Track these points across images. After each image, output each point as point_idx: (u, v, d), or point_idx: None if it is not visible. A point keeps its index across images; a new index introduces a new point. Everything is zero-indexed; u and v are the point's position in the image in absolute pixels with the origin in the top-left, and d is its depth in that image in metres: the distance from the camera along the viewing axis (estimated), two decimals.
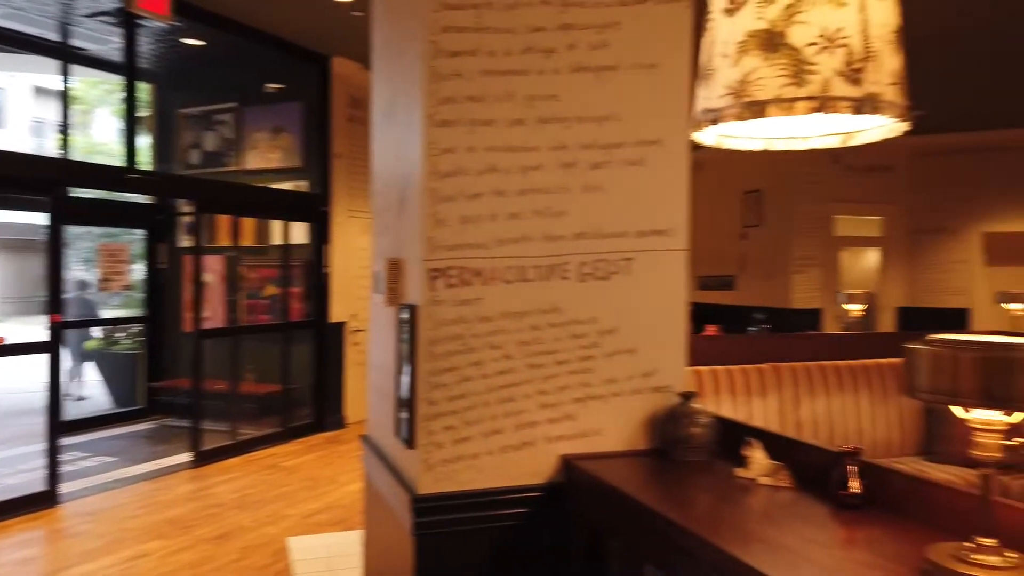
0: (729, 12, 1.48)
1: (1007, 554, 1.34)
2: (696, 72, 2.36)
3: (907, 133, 1.50)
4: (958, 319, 9.78)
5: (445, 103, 2.14)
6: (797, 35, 1.38)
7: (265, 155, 8.39)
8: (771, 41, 1.39)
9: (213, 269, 8.02)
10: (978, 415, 1.29)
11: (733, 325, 8.84)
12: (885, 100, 1.39)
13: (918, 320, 9.97)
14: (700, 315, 11.03)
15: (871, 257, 10.95)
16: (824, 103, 1.35)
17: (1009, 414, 1.26)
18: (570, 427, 2.29)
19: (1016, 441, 1.32)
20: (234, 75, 8.46)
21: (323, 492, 5.65)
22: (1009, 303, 5.41)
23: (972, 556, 1.34)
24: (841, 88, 1.36)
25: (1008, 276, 9.38)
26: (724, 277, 11.31)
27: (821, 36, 1.37)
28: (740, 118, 1.44)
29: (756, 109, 1.40)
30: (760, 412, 4.21)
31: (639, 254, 2.33)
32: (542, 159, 2.23)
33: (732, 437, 2.20)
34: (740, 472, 2.05)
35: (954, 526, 1.53)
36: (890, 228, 10.64)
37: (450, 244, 2.17)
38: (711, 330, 7.71)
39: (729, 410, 4.09)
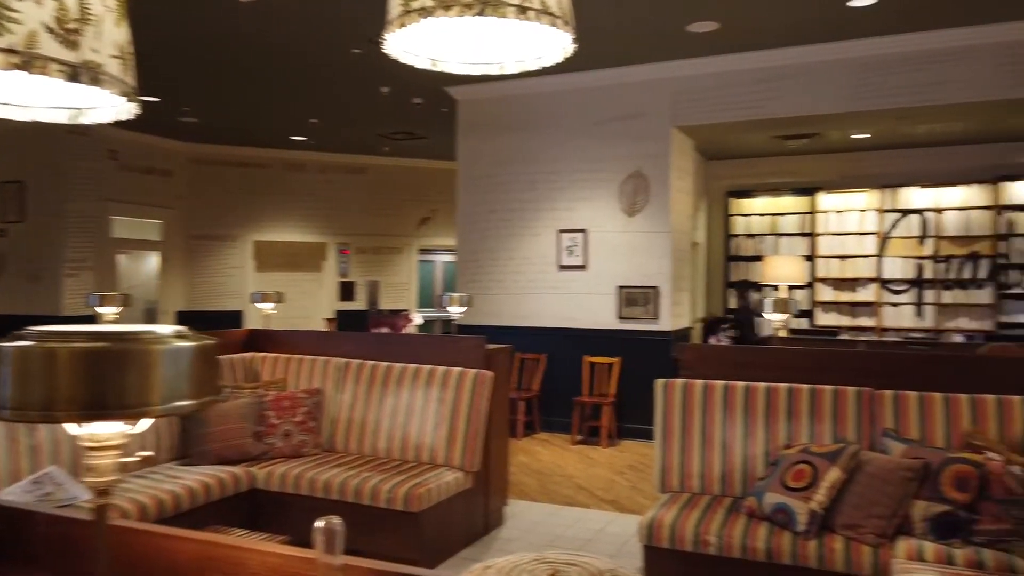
0: None
1: None
2: None
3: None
4: (233, 321, 10.36)
5: None
6: None
7: None
8: None
9: None
10: (94, 430, 1.03)
11: None
12: (107, 73, 1.23)
13: (195, 323, 10.14)
14: None
15: (153, 261, 10.69)
16: (30, 60, 1.11)
17: (132, 423, 1.02)
18: None
19: (144, 454, 1.12)
20: None
21: None
22: (261, 303, 5.84)
23: None
24: (52, 48, 1.13)
25: (274, 280, 10.41)
26: None
27: None
28: None
29: None
30: None
31: None
32: None
33: None
34: None
35: (84, 566, 1.27)
36: (170, 232, 10.58)
37: None
38: None
39: None
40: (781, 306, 4.95)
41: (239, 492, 3.86)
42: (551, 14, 2.46)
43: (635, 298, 7.06)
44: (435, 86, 7.49)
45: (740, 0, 5.36)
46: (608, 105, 7.21)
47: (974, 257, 8.98)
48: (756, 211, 10.14)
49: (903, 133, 8.54)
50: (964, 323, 9.01)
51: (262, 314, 5.91)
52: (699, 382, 3.65)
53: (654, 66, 6.90)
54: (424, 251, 12.20)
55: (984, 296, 8.94)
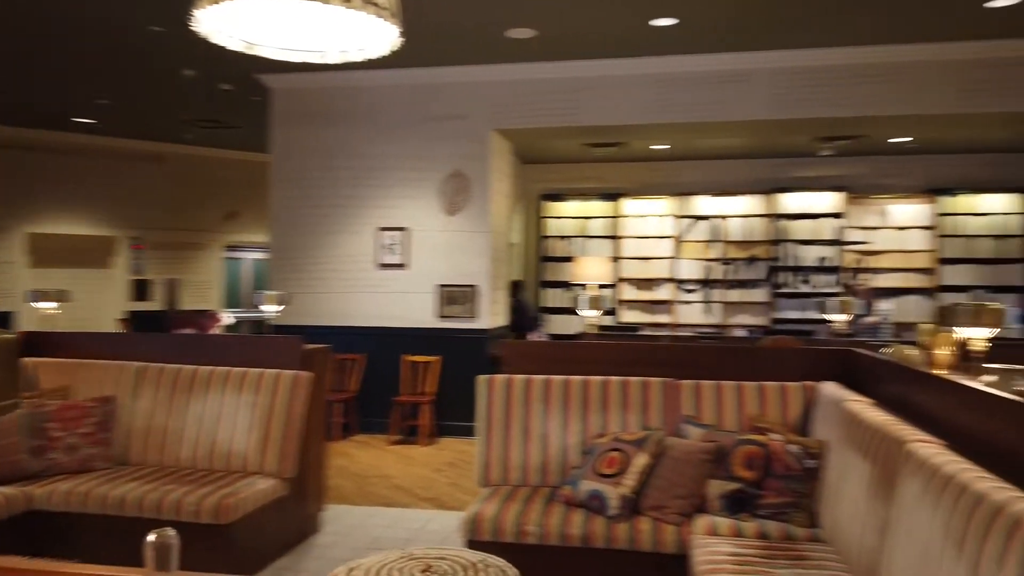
0: None
1: None
2: None
3: None
4: (2, 323, 9.10)
5: None
6: None
7: None
8: None
9: None
10: None
11: None
12: None
13: None
14: None
15: None
16: None
17: None
18: None
19: None
20: None
21: None
22: (40, 302, 5.18)
23: None
24: None
25: (54, 277, 9.29)
26: None
27: None
28: None
29: None
30: None
31: None
32: None
33: None
34: None
35: None
36: None
37: None
38: None
39: None
40: (595, 303, 5.23)
41: (13, 515, 3.41)
42: (376, 4, 2.39)
43: (455, 297, 7.13)
44: (245, 72, 7.08)
45: (555, 10, 5.58)
46: (431, 104, 7.21)
47: (753, 260, 10.04)
48: (567, 214, 10.63)
49: (696, 146, 9.36)
50: (745, 319, 10.04)
51: (40, 315, 5.24)
52: (520, 377, 3.76)
53: (476, 68, 7.00)
54: (231, 247, 11.48)
55: (761, 295, 10.03)
